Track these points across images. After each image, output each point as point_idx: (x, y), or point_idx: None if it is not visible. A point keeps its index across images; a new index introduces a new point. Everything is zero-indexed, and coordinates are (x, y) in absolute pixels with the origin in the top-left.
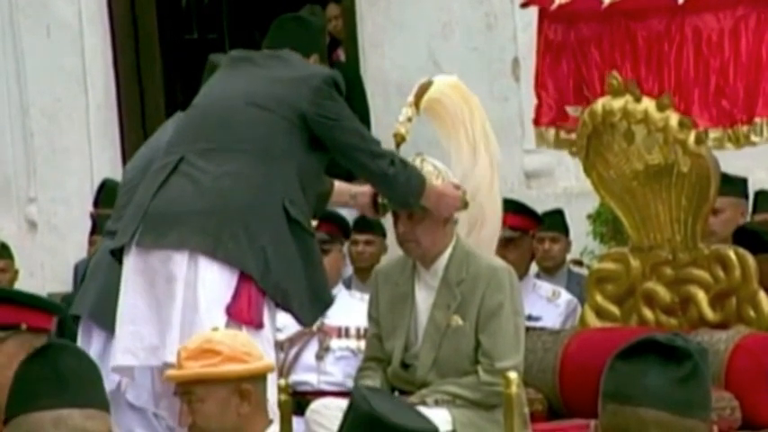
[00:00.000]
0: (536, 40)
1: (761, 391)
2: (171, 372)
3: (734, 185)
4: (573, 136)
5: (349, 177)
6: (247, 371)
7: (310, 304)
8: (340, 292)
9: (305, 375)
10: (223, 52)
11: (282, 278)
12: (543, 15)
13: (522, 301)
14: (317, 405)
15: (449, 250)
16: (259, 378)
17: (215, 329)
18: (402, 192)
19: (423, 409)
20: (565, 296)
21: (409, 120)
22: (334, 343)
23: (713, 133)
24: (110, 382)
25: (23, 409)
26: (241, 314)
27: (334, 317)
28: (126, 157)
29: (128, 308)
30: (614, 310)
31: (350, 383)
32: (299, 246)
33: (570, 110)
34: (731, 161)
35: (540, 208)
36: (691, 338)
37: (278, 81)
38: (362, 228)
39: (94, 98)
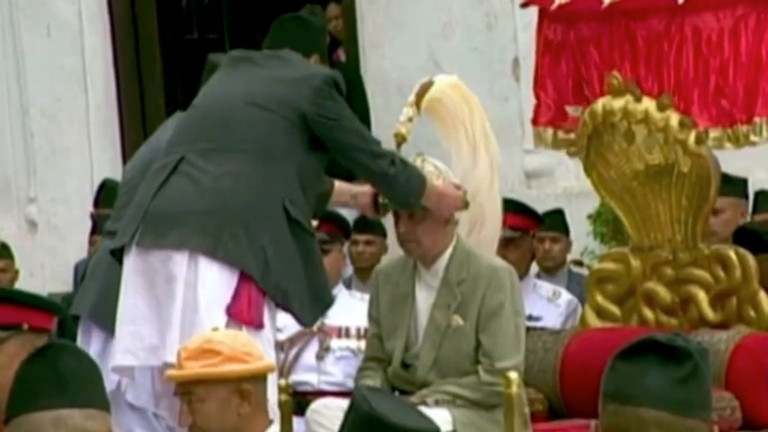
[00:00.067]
0: (535, 41)
1: (761, 392)
2: (171, 372)
3: (734, 186)
4: (571, 136)
5: (349, 177)
6: (248, 371)
7: (310, 304)
8: (340, 293)
9: (305, 375)
10: (223, 52)
11: (282, 278)
12: (543, 15)
13: (522, 301)
14: (317, 405)
15: (449, 250)
16: (259, 378)
17: (215, 329)
18: (402, 192)
19: (423, 409)
20: (565, 296)
21: (410, 120)
22: (335, 343)
23: (713, 133)
24: (109, 382)
25: (23, 409)
26: (241, 314)
27: (334, 317)
28: (126, 156)
29: (128, 308)
30: (615, 310)
31: (350, 383)
32: (300, 246)
33: (570, 110)
34: (731, 161)
35: (540, 208)
36: (691, 338)
37: (278, 81)
38: (363, 228)
39: (94, 98)
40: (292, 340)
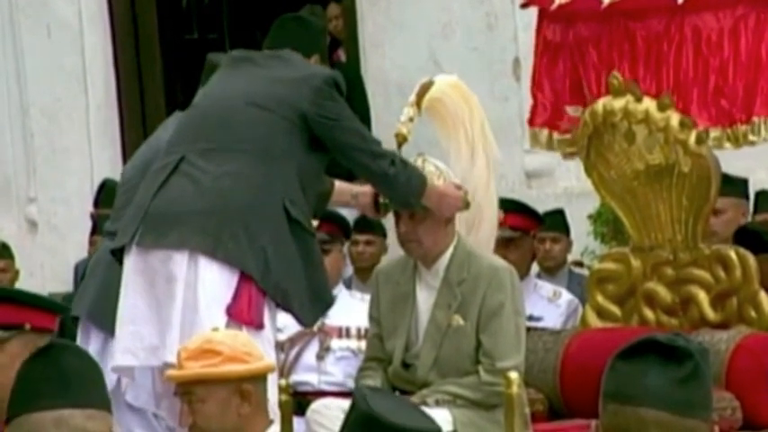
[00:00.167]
0: (534, 41)
1: (762, 392)
2: (171, 372)
3: (735, 186)
4: (567, 137)
5: (350, 177)
6: (248, 371)
7: (311, 304)
8: (340, 293)
9: (305, 375)
10: (223, 52)
11: (283, 278)
12: (542, 15)
13: (523, 301)
14: (317, 405)
15: (450, 250)
16: (259, 378)
17: (215, 330)
18: (403, 192)
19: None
20: (566, 296)
21: (411, 120)
22: (335, 343)
23: (712, 133)
24: (108, 381)
25: (25, 408)
26: (241, 314)
27: (334, 317)
28: (126, 156)
29: (128, 308)
30: (615, 310)
31: (350, 384)
32: (300, 246)
33: (570, 110)
34: (731, 161)
35: (540, 208)
36: (692, 338)
37: (278, 81)
38: (363, 228)
39: (94, 98)
40: (293, 340)
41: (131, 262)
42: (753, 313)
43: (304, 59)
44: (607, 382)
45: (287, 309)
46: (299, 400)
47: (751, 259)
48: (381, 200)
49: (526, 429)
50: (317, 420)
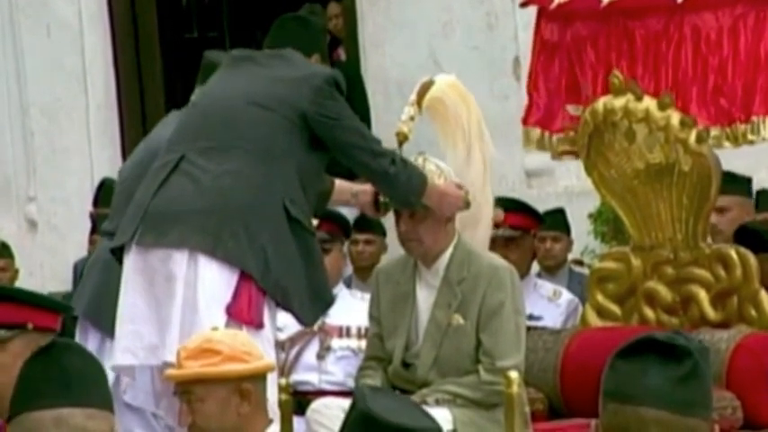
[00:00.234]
0: (532, 40)
1: (762, 391)
2: (170, 371)
3: (740, 184)
4: (560, 136)
5: (350, 176)
6: (247, 370)
7: (311, 303)
8: (341, 292)
9: (306, 375)
10: (223, 51)
11: (283, 277)
12: (541, 15)
13: (523, 300)
14: (317, 405)
15: (450, 249)
16: (259, 378)
17: (215, 329)
18: (403, 191)
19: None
20: (566, 296)
21: (412, 119)
22: (335, 342)
23: (711, 132)
24: None
25: (25, 407)
26: (241, 314)
27: (334, 316)
28: (126, 156)
29: (127, 307)
30: (615, 309)
31: (351, 383)
32: (300, 245)
33: (571, 109)
34: (732, 160)
35: (540, 207)
36: (692, 337)
37: (279, 80)
38: (362, 227)
39: (94, 97)
40: (293, 340)
41: (131, 261)
42: (753, 312)
43: (304, 59)
44: (607, 381)
45: (287, 308)
46: (299, 400)
47: (751, 258)
48: (381, 199)
49: (526, 429)
50: (317, 420)
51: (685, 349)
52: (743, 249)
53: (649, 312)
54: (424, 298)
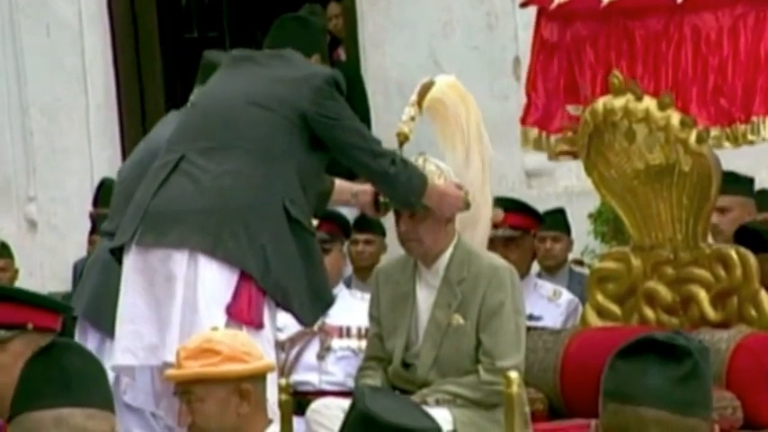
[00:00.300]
0: (532, 40)
1: (762, 391)
2: (170, 371)
3: (742, 184)
4: (558, 136)
5: (350, 176)
6: (247, 371)
7: (311, 304)
8: (341, 292)
9: (306, 375)
10: (223, 51)
11: (282, 277)
12: (541, 14)
13: (523, 300)
14: (317, 405)
15: (450, 249)
16: (259, 378)
17: (214, 329)
18: (403, 191)
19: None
20: (566, 296)
21: (412, 119)
22: (336, 343)
23: (712, 132)
24: None
25: (25, 407)
26: (241, 314)
27: (335, 316)
28: (126, 156)
29: (127, 307)
30: (615, 309)
31: (351, 383)
32: (300, 245)
33: (571, 109)
34: (732, 161)
35: (540, 207)
36: (692, 336)
37: (279, 81)
38: (362, 227)
39: (94, 97)
40: (293, 340)
41: (131, 261)
42: (753, 312)
43: (304, 59)
44: (607, 381)
45: (287, 308)
46: (299, 400)
47: (751, 258)
48: (381, 199)
49: (526, 429)
50: (316, 420)
51: (685, 349)
52: (743, 249)
53: (649, 312)
54: (424, 298)
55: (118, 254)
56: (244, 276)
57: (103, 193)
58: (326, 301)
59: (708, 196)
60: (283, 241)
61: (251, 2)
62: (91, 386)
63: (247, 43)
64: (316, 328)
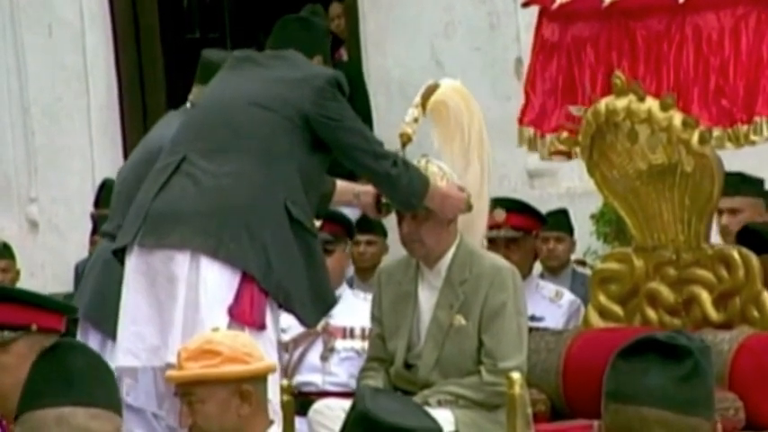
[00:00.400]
0: (532, 40)
1: (765, 392)
2: (171, 372)
3: (752, 185)
4: (552, 136)
5: (351, 177)
6: (248, 372)
7: (312, 305)
8: (344, 293)
9: (310, 376)
10: (222, 50)
11: (284, 278)
12: (542, 14)
13: (525, 301)
14: (319, 406)
15: (452, 250)
16: (260, 379)
17: (215, 330)
18: (404, 192)
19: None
20: (567, 296)
21: (416, 121)
22: (339, 344)
23: (714, 132)
24: None
25: (28, 406)
26: (243, 315)
27: (338, 317)
28: (127, 156)
29: (129, 308)
30: (617, 310)
31: (354, 384)
32: (301, 246)
33: (573, 109)
34: (733, 161)
35: (543, 208)
36: (693, 336)
37: (281, 81)
38: (364, 228)
39: (96, 97)
40: (296, 341)
41: (133, 262)
42: (755, 313)
43: (306, 60)
44: (608, 381)
45: (289, 309)
46: (303, 401)
47: (754, 259)
48: (383, 200)
49: (528, 430)
50: (318, 421)
51: (686, 349)
52: (745, 250)
53: (652, 313)
54: (426, 299)
55: (120, 255)
56: (246, 277)
57: (105, 193)
58: (328, 302)
59: (710, 197)
60: (285, 242)
61: (252, 2)
62: (94, 386)
63: (249, 44)
64: (319, 328)
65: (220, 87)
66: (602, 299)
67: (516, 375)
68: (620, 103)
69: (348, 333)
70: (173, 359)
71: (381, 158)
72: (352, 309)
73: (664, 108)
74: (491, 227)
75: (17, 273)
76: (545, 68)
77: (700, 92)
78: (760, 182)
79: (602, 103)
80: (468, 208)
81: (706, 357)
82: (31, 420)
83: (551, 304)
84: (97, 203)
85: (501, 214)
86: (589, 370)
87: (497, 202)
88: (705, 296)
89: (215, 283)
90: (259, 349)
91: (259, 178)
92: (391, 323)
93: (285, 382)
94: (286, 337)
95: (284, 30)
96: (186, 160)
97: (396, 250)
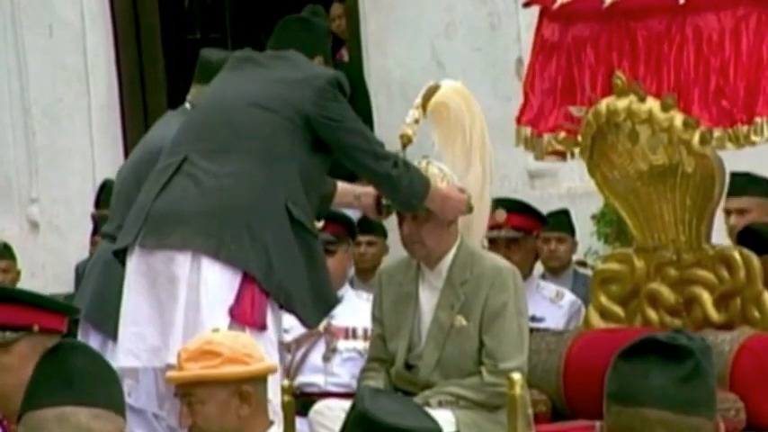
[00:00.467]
0: (533, 40)
1: (766, 393)
2: (171, 373)
3: (760, 185)
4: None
5: (352, 178)
6: (248, 372)
7: (313, 305)
8: (347, 293)
9: (312, 377)
10: (222, 50)
11: (285, 279)
12: (543, 15)
13: (525, 301)
14: (320, 406)
15: (453, 251)
16: (260, 380)
17: (215, 330)
18: (405, 193)
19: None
20: (568, 297)
21: (416, 122)
22: (341, 344)
23: (714, 133)
24: None
25: (30, 406)
26: (244, 316)
27: (340, 318)
28: (128, 157)
29: (130, 309)
30: (618, 310)
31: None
32: (302, 247)
33: (574, 110)
34: (734, 161)
35: (543, 208)
36: (694, 336)
37: (281, 82)
38: (365, 229)
39: (96, 98)
40: (299, 341)
41: (134, 263)
42: (756, 314)
43: (307, 60)
44: (609, 382)
45: (290, 309)
46: (305, 402)
47: (755, 260)
48: (384, 201)
49: (529, 430)
50: (319, 421)
51: (687, 349)
52: (746, 251)
53: (652, 314)
54: (427, 299)
55: (121, 256)
56: (246, 278)
57: (105, 194)
58: (329, 303)
59: (711, 197)
60: (286, 243)
61: (253, 3)
62: (96, 386)
63: (250, 44)
64: (321, 329)
65: (221, 88)
66: (603, 299)
67: (517, 376)
68: (621, 103)
69: (350, 333)
70: (173, 360)
71: (382, 159)
72: (355, 309)
73: (664, 108)
74: (492, 227)
75: (18, 273)
76: (544, 68)
77: (700, 92)
78: (767, 182)
79: (603, 104)
80: (469, 209)
81: (707, 357)
82: (33, 420)
83: (552, 305)
84: (98, 204)
85: (502, 215)
86: (590, 370)
87: (498, 203)
88: (706, 297)
89: (216, 283)
90: (259, 350)
91: (260, 179)
92: (392, 324)
93: (286, 382)
94: (288, 338)
95: (285, 30)
96: (187, 161)
97: (396, 251)
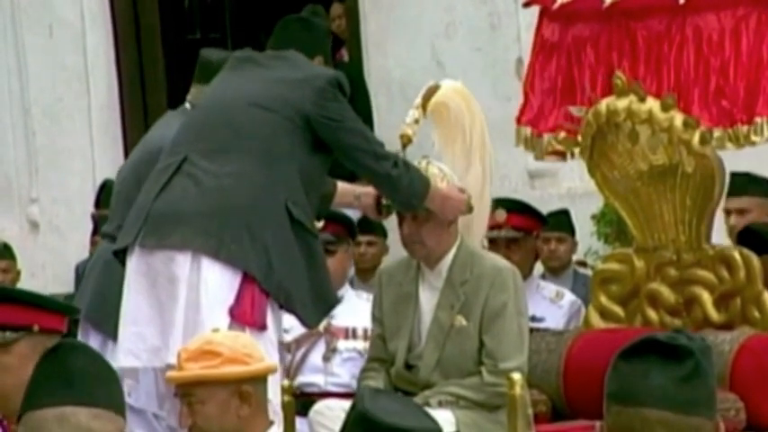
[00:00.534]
0: (533, 40)
1: (766, 393)
2: (171, 373)
3: (760, 185)
4: (549, 136)
5: (352, 178)
6: (248, 372)
7: (313, 305)
8: (347, 293)
9: (312, 377)
10: (222, 50)
11: (285, 279)
12: (543, 14)
13: (526, 301)
14: (319, 406)
15: (453, 251)
16: (260, 380)
17: (215, 330)
18: (405, 193)
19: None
20: (568, 297)
21: (416, 122)
22: (342, 344)
23: (714, 133)
24: None
25: (30, 406)
26: (244, 316)
27: (341, 318)
28: (128, 157)
29: (130, 309)
30: (618, 310)
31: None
32: (302, 247)
33: (575, 110)
34: (735, 161)
35: (543, 208)
36: (694, 336)
37: (281, 82)
38: (365, 229)
39: (96, 98)
40: (299, 341)
41: (134, 263)
42: (756, 314)
43: (307, 60)
44: (609, 382)
45: (290, 310)
46: (305, 402)
47: (755, 260)
48: (384, 201)
49: (529, 430)
50: (319, 421)
51: (687, 349)
52: (746, 251)
53: (652, 314)
54: (427, 299)
55: (121, 256)
56: (247, 278)
57: (105, 194)
58: (329, 303)
59: (711, 197)
60: (286, 243)
61: (253, 3)
62: (96, 386)
63: (250, 44)
64: (321, 329)
65: (221, 88)
66: (603, 299)
67: (517, 376)
68: (621, 103)
69: (350, 333)
70: (173, 360)
71: (382, 159)
72: (355, 309)
73: (664, 109)
74: (492, 227)
75: (18, 273)
76: (544, 68)
77: (700, 92)
78: (767, 182)
79: (603, 104)
80: (469, 209)
81: (707, 357)
82: (33, 420)
83: (552, 305)
84: (98, 204)
85: (502, 215)
86: (590, 370)
87: (498, 203)
88: (706, 297)
89: (216, 283)
90: (259, 350)
91: (260, 179)
92: (392, 324)
93: (286, 382)
94: (288, 338)
95: (285, 30)
96: (187, 161)
97: (396, 251)
